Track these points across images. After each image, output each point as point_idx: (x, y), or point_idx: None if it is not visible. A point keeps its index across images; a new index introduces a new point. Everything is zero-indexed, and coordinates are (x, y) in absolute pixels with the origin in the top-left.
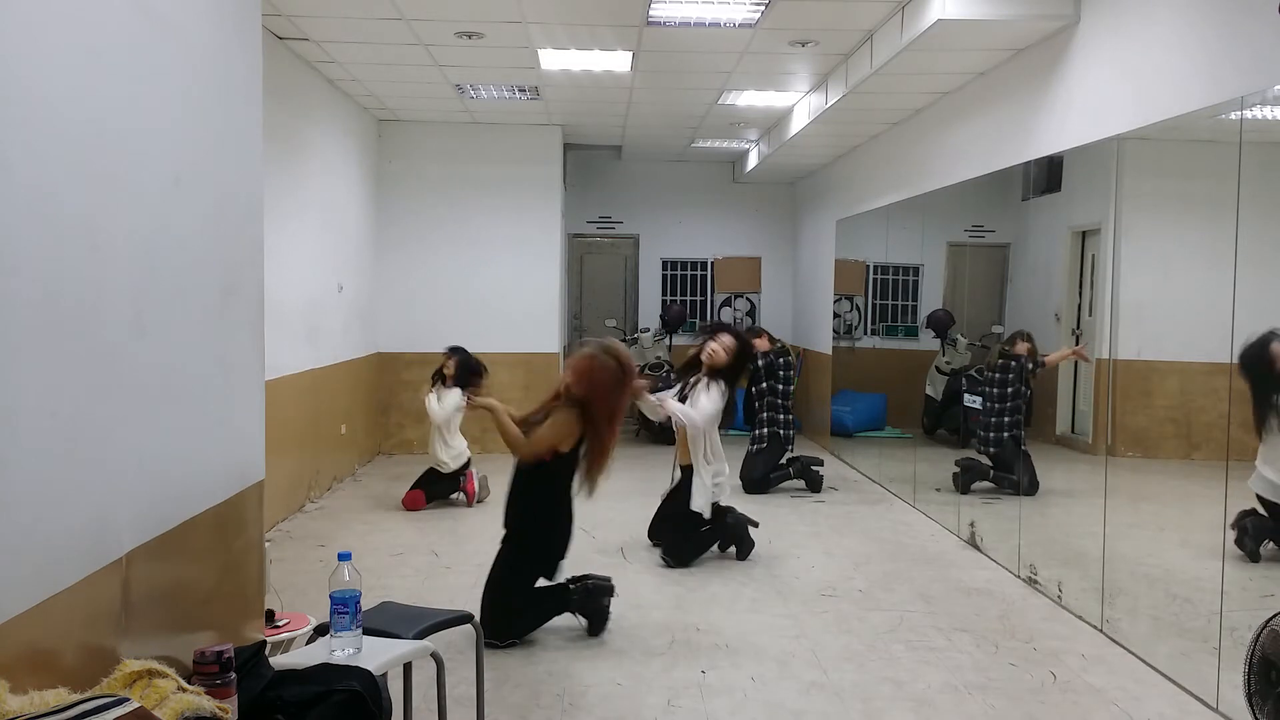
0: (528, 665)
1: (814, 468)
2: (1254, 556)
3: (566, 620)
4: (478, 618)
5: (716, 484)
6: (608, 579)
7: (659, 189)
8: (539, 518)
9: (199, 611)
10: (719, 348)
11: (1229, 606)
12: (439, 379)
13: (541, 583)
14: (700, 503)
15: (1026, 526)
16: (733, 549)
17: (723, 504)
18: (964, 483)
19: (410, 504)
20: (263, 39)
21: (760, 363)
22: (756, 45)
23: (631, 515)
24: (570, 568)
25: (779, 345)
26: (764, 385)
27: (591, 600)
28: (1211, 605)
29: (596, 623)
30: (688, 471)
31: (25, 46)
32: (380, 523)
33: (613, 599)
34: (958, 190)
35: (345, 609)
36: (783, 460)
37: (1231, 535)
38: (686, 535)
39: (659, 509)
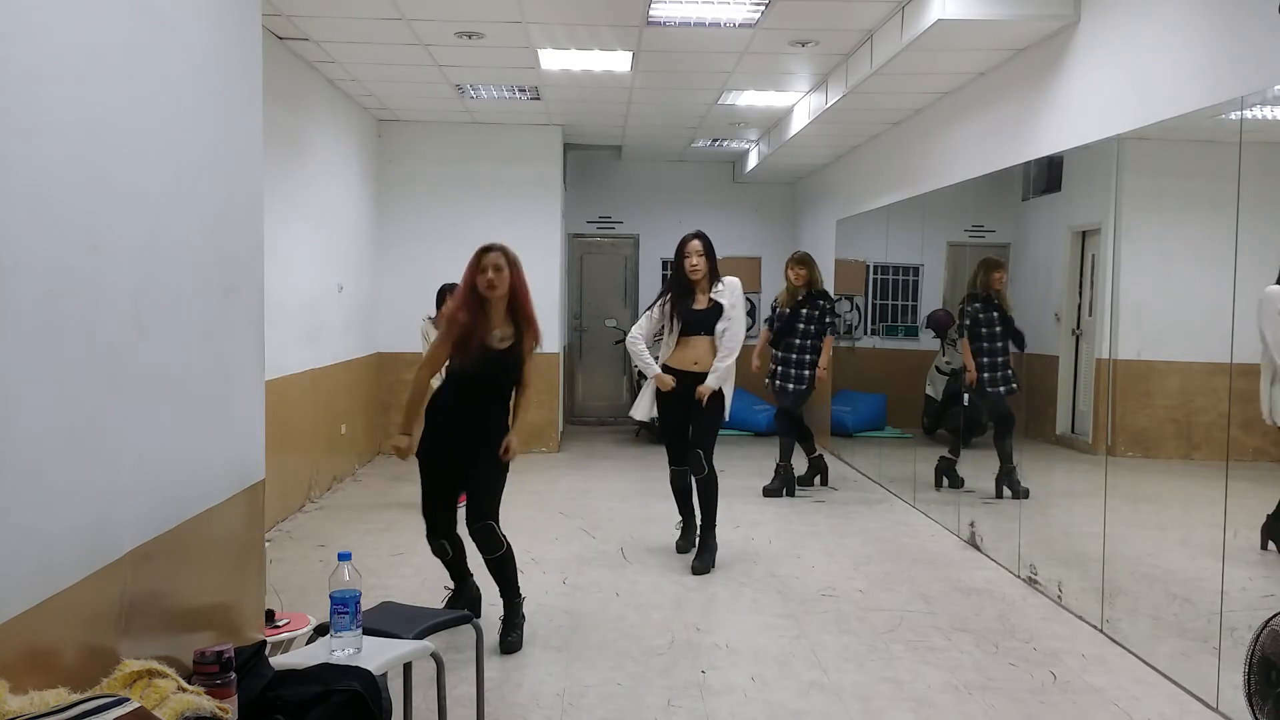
0: (528, 665)
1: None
2: None
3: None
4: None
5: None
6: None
7: (659, 189)
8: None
9: (199, 611)
10: (697, 262)
11: (1229, 606)
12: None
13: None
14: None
15: (1026, 526)
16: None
17: None
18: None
19: None
20: (263, 39)
21: (816, 308)
22: (756, 45)
23: (631, 515)
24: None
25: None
26: (815, 324)
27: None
28: (1211, 605)
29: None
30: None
31: (25, 46)
32: (380, 523)
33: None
34: (958, 190)
35: (345, 609)
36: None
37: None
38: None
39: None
